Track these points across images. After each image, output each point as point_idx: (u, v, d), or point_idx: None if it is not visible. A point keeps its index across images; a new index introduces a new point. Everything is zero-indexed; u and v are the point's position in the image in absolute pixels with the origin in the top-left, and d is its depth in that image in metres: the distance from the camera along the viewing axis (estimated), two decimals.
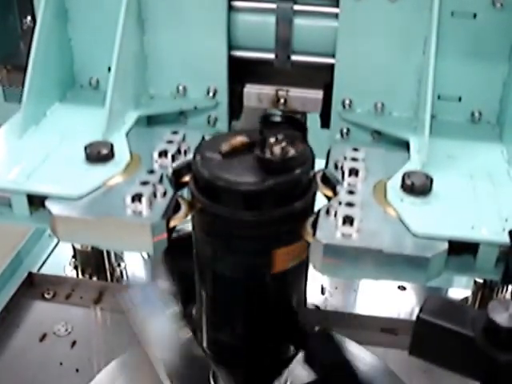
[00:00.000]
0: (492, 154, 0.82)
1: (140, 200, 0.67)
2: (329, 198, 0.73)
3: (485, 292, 1.19)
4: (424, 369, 1.06)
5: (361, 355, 1.07)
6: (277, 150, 0.67)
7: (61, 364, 1.08)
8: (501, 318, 0.59)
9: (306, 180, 0.69)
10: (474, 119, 0.88)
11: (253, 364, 0.82)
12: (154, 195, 0.68)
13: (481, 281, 1.19)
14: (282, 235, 0.70)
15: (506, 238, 0.65)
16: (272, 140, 0.68)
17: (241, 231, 0.69)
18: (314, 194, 0.71)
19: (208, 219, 0.70)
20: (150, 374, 1.00)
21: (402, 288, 1.26)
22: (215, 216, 0.68)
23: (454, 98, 0.87)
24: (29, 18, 0.94)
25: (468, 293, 1.23)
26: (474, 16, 0.82)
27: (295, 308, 0.80)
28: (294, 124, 0.75)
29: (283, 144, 0.68)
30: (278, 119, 0.76)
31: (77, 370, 1.07)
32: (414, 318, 0.63)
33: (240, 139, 0.70)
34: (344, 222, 0.65)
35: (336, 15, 0.84)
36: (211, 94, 0.91)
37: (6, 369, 1.07)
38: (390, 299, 1.24)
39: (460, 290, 1.25)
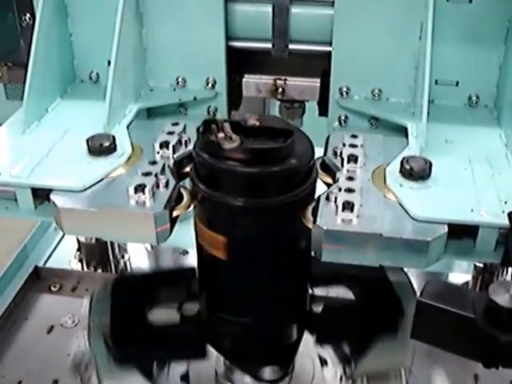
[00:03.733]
0: (490, 138, 0.83)
1: (143, 191, 0.68)
2: (328, 185, 0.73)
3: (485, 276, 1.20)
4: (427, 352, 1.07)
5: None
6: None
7: (68, 355, 1.09)
8: (502, 299, 0.60)
9: (306, 167, 0.70)
10: (471, 103, 0.88)
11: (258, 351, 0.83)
12: (157, 186, 0.69)
13: (481, 265, 1.19)
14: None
15: (505, 221, 0.66)
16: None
17: (241, 219, 0.70)
18: (315, 181, 0.72)
19: (209, 208, 0.71)
20: None
21: None
22: (216, 204, 0.69)
23: (452, 82, 0.87)
24: (28, 15, 0.95)
25: (468, 277, 1.23)
26: (470, 0, 0.82)
27: (297, 294, 0.81)
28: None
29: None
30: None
31: None
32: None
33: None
34: (344, 208, 0.66)
35: (332, 3, 0.84)
36: (210, 85, 0.91)
37: (15, 361, 1.08)
38: None
39: (460, 274, 1.26)
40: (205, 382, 0.94)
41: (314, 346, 0.95)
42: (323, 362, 0.95)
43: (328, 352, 0.96)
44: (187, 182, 0.74)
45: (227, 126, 0.68)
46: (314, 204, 0.69)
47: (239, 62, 0.92)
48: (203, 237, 0.74)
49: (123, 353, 0.88)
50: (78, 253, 1.32)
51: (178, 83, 0.92)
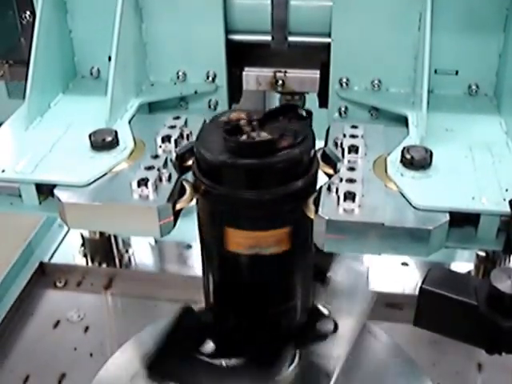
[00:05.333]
0: (490, 126, 0.83)
1: (146, 185, 0.68)
2: (329, 176, 0.74)
3: (487, 265, 1.20)
4: (429, 341, 1.08)
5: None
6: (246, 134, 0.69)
7: (75, 349, 1.10)
8: (504, 285, 0.60)
9: (307, 159, 0.70)
10: (471, 92, 0.88)
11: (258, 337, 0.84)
12: (160, 179, 0.70)
13: (483, 254, 1.20)
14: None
15: (506, 208, 0.66)
16: (243, 123, 0.69)
17: (244, 211, 0.70)
18: (316, 171, 0.72)
19: (212, 200, 0.72)
20: None
21: (405, 264, 1.28)
22: (218, 197, 0.69)
23: (451, 71, 0.87)
24: (28, 12, 0.95)
25: (470, 266, 1.24)
26: None
27: (301, 284, 0.81)
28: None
29: (253, 129, 0.69)
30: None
31: (91, 355, 1.09)
32: (417, 292, 0.64)
33: (238, 115, 0.70)
34: (346, 198, 0.66)
35: None
36: (211, 79, 0.92)
37: (22, 355, 1.10)
38: (393, 275, 1.25)
39: (462, 263, 1.26)
40: None
41: None
42: None
43: None
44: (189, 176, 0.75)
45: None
46: (315, 195, 0.69)
47: (239, 55, 0.92)
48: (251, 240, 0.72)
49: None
50: (83, 248, 1.34)
51: (178, 77, 0.93)
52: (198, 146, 0.70)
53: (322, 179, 0.73)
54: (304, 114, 0.72)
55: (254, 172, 0.67)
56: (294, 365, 0.94)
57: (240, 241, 0.73)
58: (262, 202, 0.68)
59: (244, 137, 0.68)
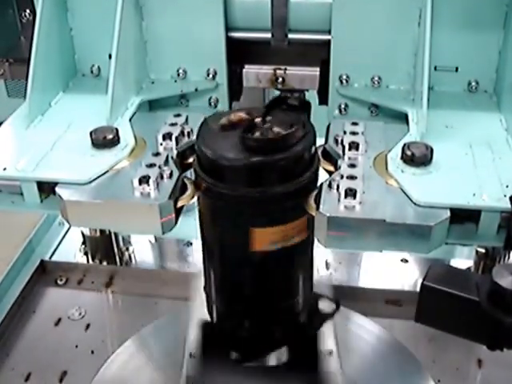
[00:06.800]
0: (490, 123, 0.83)
1: (147, 182, 0.68)
2: (330, 173, 0.74)
3: (487, 261, 1.20)
4: (429, 338, 1.08)
5: (367, 326, 1.09)
6: (260, 131, 0.69)
7: (76, 347, 1.10)
8: (505, 281, 0.60)
9: (308, 156, 0.70)
10: (471, 89, 0.88)
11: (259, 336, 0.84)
12: (161, 177, 0.70)
13: (483, 250, 1.20)
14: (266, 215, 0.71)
15: (507, 204, 0.66)
16: (258, 121, 0.69)
17: (245, 208, 0.70)
18: (317, 169, 0.72)
19: (213, 198, 0.72)
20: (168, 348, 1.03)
21: (405, 261, 1.28)
22: (220, 194, 0.69)
23: (451, 68, 0.87)
24: (28, 11, 0.95)
25: (470, 263, 1.24)
26: None
27: (301, 282, 0.81)
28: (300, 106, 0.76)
29: (268, 126, 0.69)
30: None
31: (92, 352, 1.10)
32: (417, 289, 0.64)
33: (239, 114, 0.71)
34: (346, 195, 0.66)
35: None
36: (211, 76, 0.92)
37: (24, 353, 1.10)
38: (393, 272, 1.25)
39: (462, 260, 1.26)
40: None
41: None
42: None
43: None
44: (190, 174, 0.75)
45: None
46: (316, 192, 0.69)
47: (239, 52, 0.92)
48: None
49: None
50: (83, 246, 1.34)
51: (178, 75, 0.93)
52: (199, 144, 0.71)
53: (322, 176, 0.73)
54: (295, 103, 0.72)
55: (256, 170, 0.67)
56: None
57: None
58: (263, 200, 0.68)
59: (258, 133, 0.68)
